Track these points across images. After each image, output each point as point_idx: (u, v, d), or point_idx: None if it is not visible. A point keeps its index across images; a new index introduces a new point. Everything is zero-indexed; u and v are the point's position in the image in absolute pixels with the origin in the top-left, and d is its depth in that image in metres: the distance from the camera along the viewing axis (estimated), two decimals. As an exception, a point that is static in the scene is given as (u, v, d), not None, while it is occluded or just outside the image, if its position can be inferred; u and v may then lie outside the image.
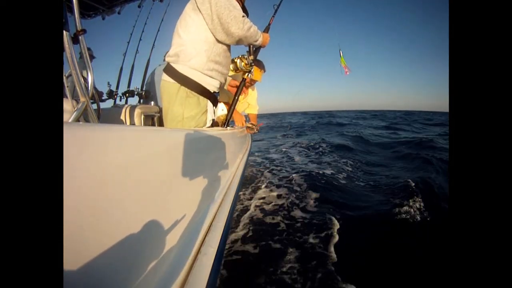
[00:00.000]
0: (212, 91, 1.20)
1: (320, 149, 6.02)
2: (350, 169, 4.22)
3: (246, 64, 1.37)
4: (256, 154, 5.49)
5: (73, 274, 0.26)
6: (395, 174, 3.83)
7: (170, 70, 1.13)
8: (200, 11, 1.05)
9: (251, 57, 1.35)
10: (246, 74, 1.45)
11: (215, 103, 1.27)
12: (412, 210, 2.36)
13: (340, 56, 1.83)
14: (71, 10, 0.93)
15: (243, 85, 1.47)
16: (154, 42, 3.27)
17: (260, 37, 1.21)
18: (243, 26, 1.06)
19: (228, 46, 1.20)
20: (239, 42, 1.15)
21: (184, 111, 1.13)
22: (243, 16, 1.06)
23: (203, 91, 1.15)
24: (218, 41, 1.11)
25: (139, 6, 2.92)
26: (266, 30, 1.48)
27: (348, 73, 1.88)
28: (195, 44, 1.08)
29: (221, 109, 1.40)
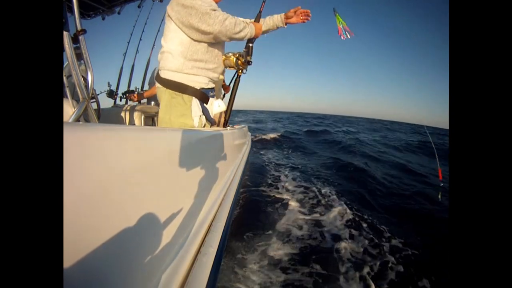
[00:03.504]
0: (198, 88, 1.18)
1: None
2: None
3: (242, 63, 1.37)
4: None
5: (73, 274, 0.26)
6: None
7: (157, 77, 1.21)
8: (171, 18, 1.09)
9: (243, 54, 1.33)
10: (241, 71, 1.48)
11: (204, 100, 1.23)
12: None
13: (335, 15, 1.47)
14: (71, 10, 0.93)
15: (238, 82, 1.52)
16: (154, 42, 3.28)
17: (245, 28, 1.13)
18: (213, 22, 1.01)
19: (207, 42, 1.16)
20: (216, 38, 1.09)
21: (171, 113, 1.17)
22: (214, 10, 1.01)
23: (186, 89, 1.16)
24: (195, 41, 1.11)
25: (139, 6, 2.92)
26: (257, 19, 1.35)
27: (348, 36, 1.46)
28: (171, 48, 1.11)
29: (217, 105, 1.37)
